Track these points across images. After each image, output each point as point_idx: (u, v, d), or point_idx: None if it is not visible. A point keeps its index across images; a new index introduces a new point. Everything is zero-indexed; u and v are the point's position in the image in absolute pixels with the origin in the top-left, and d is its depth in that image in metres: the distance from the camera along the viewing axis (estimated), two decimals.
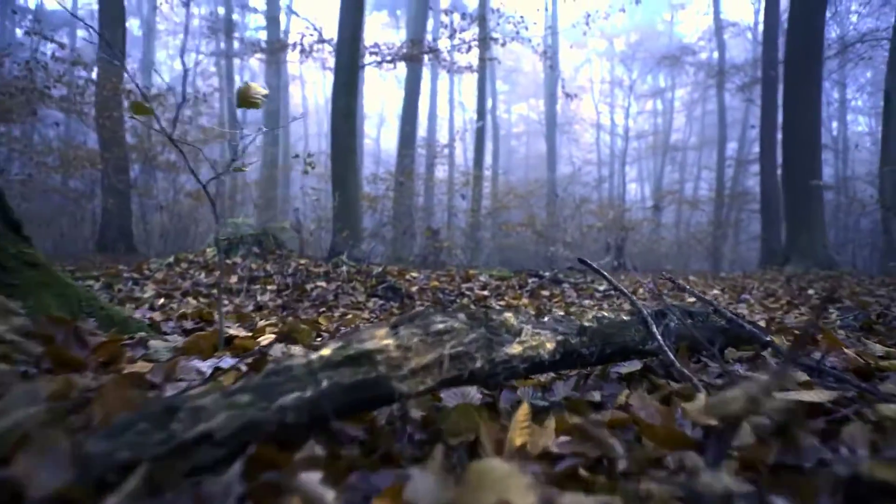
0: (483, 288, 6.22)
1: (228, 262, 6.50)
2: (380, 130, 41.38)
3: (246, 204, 21.43)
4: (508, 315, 1.28)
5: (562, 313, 4.83)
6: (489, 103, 33.46)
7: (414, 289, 5.87)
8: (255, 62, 29.88)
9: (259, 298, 5.22)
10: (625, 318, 1.61)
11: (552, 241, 17.41)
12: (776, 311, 5.06)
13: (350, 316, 4.78)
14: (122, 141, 14.51)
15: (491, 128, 34.83)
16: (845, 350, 2.15)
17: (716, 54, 28.78)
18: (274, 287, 5.55)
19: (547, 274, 6.96)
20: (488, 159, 33.31)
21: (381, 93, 42.08)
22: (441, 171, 26.09)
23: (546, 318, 1.38)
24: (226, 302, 5.08)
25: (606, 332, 1.47)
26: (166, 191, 16.59)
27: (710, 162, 32.09)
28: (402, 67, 21.99)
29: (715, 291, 6.84)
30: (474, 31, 16.59)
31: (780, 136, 19.78)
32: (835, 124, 31.79)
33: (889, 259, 15.73)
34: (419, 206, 19.52)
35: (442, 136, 32.07)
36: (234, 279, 5.71)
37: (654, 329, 1.57)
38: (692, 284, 8.70)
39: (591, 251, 17.66)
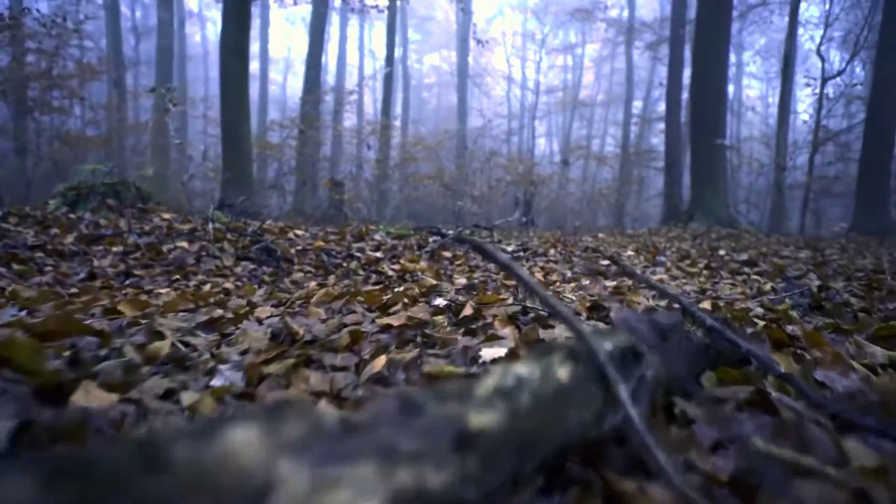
0: (377, 248, 5.37)
1: (72, 216, 5.35)
2: (286, 76, 39.21)
3: (140, 152, 19.52)
4: None
5: (463, 279, 4.04)
6: (399, 52, 32.04)
7: (295, 250, 4.95)
8: None
9: (97, 263, 4.17)
10: (560, 374, 0.76)
11: (460, 196, 16.65)
12: (698, 278, 4.48)
13: (208, 287, 3.84)
14: None
15: (401, 77, 33.51)
16: (852, 364, 1.46)
17: (626, 13, 28.46)
18: (119, 249, 4.50)
19: (450, 232, 6.17)
20: (398, 110, 32.12)
21: (287, 37, 39.76)
22: (349, 121, 24.79)
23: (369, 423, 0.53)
24: (48, 268, 4.02)
25: (525, 427, 0.63)
26: (40, 133, 14.71)
27: (617, 119, 32.12)
28: (307, 8, 20.45)
29: (629, 252, 6.25)
30: None
31: (685, 95, 19.77)
32: (731, 87, 32.33)
33: (780, 217, 15.95)
34: (325, 156, 18.31)
35: (351, 84, 30.50)
36: (69, 238, 4.61)
37: (622, 394, 0.74)
38: (603, 242, 8.16)
39: (500, 206, 17.08)
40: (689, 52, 20.03)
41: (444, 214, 19.34)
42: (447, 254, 5.39)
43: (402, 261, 4.87)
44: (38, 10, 13.44)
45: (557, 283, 4.09)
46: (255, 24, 35.29)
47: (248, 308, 2.20)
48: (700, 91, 13.26)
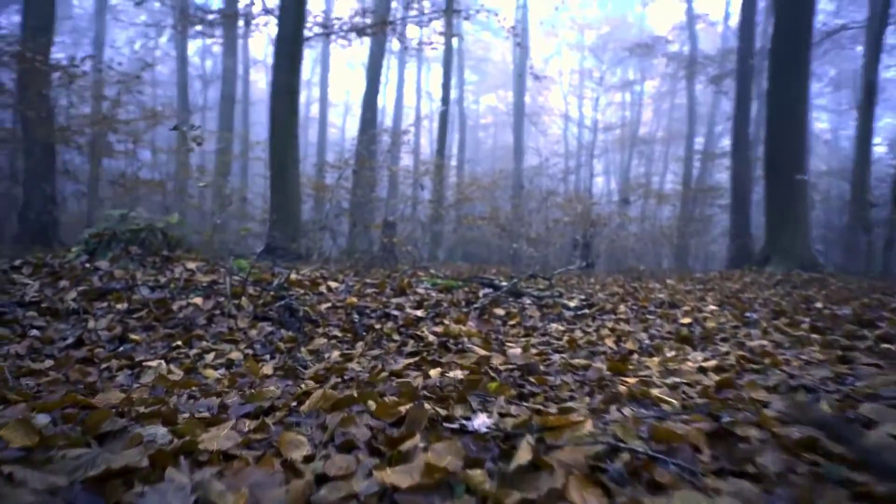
0: (418, 305, 4.62)
1: (88, 266, 4.79)
2: (345, 120, 39.43)
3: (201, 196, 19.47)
4: None
5: (518, 349, 3.24)
6: (455, 93, 31.79)
7: (324, 307, 4.25)
8: (218, 47, 27.78)
9: (91, 325, 3.56)
10: None
11: (516, 237, 15.85)
12: (810, 347, 3.55)
13: (210, 357, 3.18)
14: (50, 121, 12.53)
15: (458, 118, 33.20)
16: None
17: (686, 47, 27.46)
18: (124, 306, 3.88)
19: (504, 284, 5.38)
20: (454, 150, 31.77)
21: (347, 82, 40.14)
22: (405, 161, 24.41)
23: None
24: (34, 331, 3.42)
25: None
26: (99, 177, 14.70)
27: (678, 156, 30.88)
28: (367, 52, 20.24)
29: (711, 307, 5.32)
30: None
31: (752, 128, 18.60)
32: None
33: (856, 257, 14.58)
34: (380, 197, 17.82)
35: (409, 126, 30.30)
36: (72, 294, 4.03)
37: None
38: (671, 288, 7.21)
39: (557, 247, 16.19)
40: (759, 84, 18.99)
41: (499, 255, 18.52)
42: (499, 311, 4.60)
43: (446, 321, 4.10)
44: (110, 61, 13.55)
45: (635, 356, 3.25)
46: (316, 69, 35.84)
47: (193, 437, 1.46)
48: (777, 124, 12.17)
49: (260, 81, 37.61)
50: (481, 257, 18.69)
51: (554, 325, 4.23)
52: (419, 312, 4.30)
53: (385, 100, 33.74)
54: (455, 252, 20.16)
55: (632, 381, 2.40)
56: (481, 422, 1.57)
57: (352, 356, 3.15)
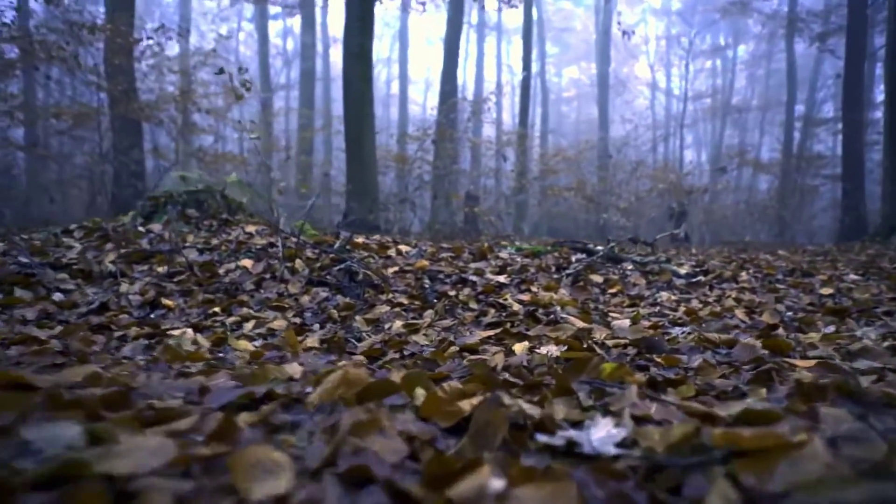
0: (500, 270, 3.93)
1: (141, 230, 4.36)
2: (426, 96, 38.82)
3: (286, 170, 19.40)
4: None
5: (626, 321, 2.50)
6: (536, 66, 30.60)
7: (391, 271, 3.63)
8: (297, 26, 27.68)
9: (124, 288, 3.07)
10: None
11: (605, 208, 14.84)
12: None
13: (249, 326, 2.62)
14: (134, 97, 12.53)
15: (540, 91, 32.04)
16: None
17: (784, 6, 25.16)
18: (165, 269, 3.39)
19: (600, 248, 4.61)
20: (537, 123, 30.65)
21: (426, 58, 39.51)
22: (489, 131, 23.61)
23: None
24: (59, 294, 2.95)
25: None
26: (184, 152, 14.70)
27: (775, 124, 28.62)
28: (444, 26, 19.50)
29: (853, 276, 4.36)
30: None
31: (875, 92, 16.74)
32: None
33: None
34: (462, 169, 17.14)
35: (491, 101, 29.33)
36: (111, 256, 3.57)
37: None
38: (787, 259, 6.22)
39: (649, 220, 15.10)
40: (872, 41, 17.07)
41: (586, 230, 17.51)
42: (597, 277, 3.85)
43: (533, 288, 3.41)
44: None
45: (784, 331, 2.46)
46: (395, 46, 35.41)
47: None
48: None
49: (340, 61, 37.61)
50: (567, 232, 17.75)
51: (665, 294, 3.46)
52: (502, 278, 3.62)
53: (465, 75, 32.93)
54: (540, 226, 19.28)
55: (806, 363, 1.63)
56: (606, 434, 0.88)
57: (418, 327, 2.51)
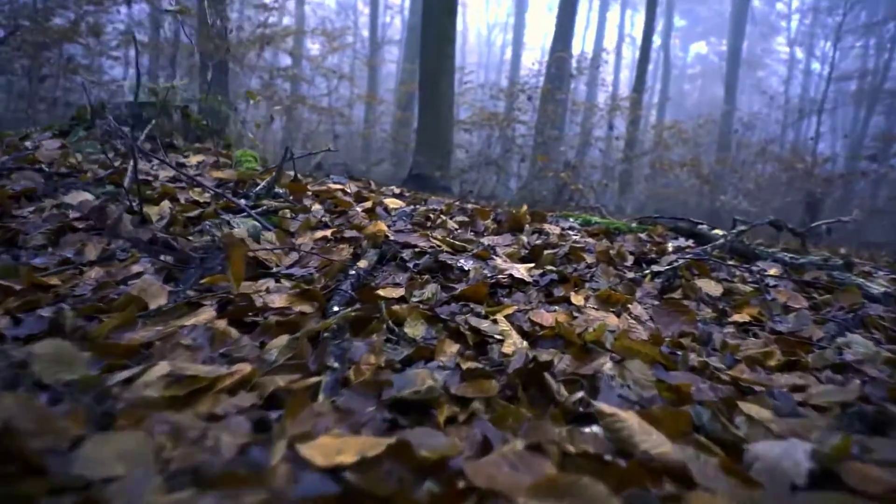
0: (532, 255, 2.12)
1: (58, 147, 2.91)
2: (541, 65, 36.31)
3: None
4: None
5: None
6: (660, 39, 27.47)
7: (314, 237, 1.93)
8: None
9: None
10: None
11: (723, 190, 12.34)
12: None
13: None
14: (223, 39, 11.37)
15: (662, 65, 28.91)
16: None
17: None
18: None
19: (718, 233, 2.68)
20: (655, 99, 27.69)
21: (545, 25, 36.85)
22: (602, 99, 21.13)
23: None
24: None
25: None
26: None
27: None
28: None
29: None
30: None
31: None
32: None
33: None
34: (561, 135, 14.99)
35: (607, 72, 26.57)
36: None
37: None
38: None
39: (774, 209, 12.45)
40: None
41: (698, 214, 14.88)
42: (709, 286, 1.97)
43: (578, 296, 1.61)
44: None
45: None
46: (511, 13, 33.03)
47: None
48: None
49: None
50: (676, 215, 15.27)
51: (861, 342, 1.55)
52: (522, 270, 1.82)
53: (584, 43, 30.25)
54: (646, 208, 16.82)
55: None
56: None
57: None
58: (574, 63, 13.82)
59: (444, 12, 8.07)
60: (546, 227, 2.69)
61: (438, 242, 2.04)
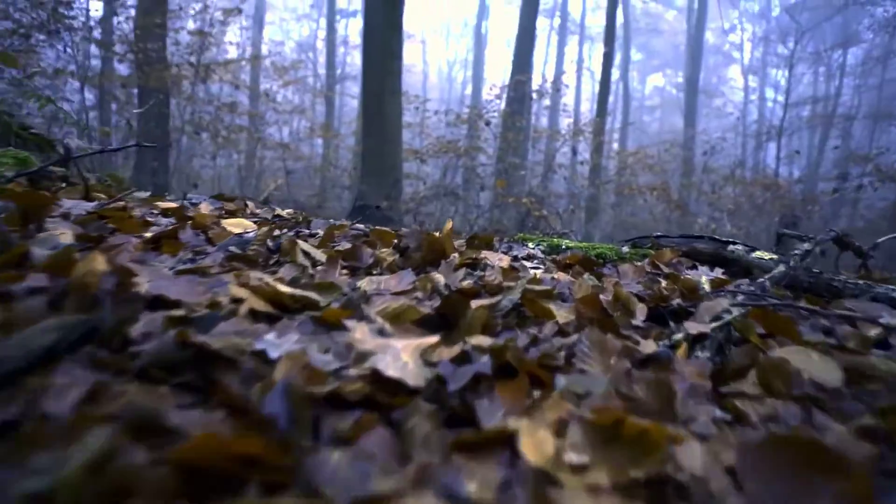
0: (448, 313, 1.01)
1: None
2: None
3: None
4: None
5: None
6: (618, 72, 27.19)
7: None
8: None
9: None
10: None
11: (695, 215, 11.52)
12: None
13: None
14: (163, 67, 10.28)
15: (622, 97, 28.61)
16: None
17: None
18: None
19: (768, 259, 1.62)
20: (617, 125, 27.31)
21: (505, 60, 36.66)
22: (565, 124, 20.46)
23: None
24: None
25: None
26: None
27: (888, 139, 23.91)
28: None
29: None
30: None
31: None
32: None
33: None
34: (521, 162, 14.10)
35: (568, 101, 25.95)
36: None
37: None
38: None
39: (750, 233, 11.66)
40: None
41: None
42: (815, 362, 0.91)
43: (535, 439, 0.50)
44: None
45: None
46: (470, 44, 32.51)
47: None
48: None
49: (417, 63, 34.98)
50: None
51: None
52: (406, 352, 0.70)
53: (544, 78, 29.85)
54: (613, 236, 15.95)
55: None
56: None
57: None
58: (534, 86, 13.03)
59: (387, 26, 7.10)
60: (486, 256, 1.62)
61: (246, 294, 0.95)
